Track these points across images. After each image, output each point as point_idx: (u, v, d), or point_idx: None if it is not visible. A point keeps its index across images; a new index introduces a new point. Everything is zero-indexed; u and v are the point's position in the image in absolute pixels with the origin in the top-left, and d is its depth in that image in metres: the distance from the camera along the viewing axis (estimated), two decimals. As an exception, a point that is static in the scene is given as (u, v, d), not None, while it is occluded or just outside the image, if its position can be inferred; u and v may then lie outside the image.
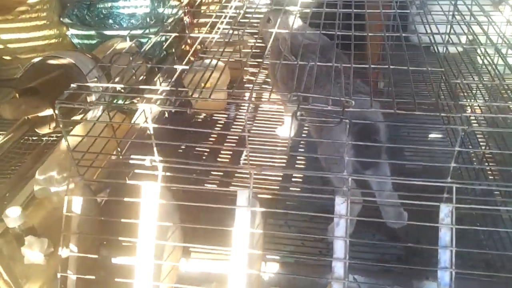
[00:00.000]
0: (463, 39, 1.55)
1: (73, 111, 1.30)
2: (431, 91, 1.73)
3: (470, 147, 1.36)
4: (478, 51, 1.42)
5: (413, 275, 1.14)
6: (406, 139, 1.62)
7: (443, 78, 1.55)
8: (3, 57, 1.94)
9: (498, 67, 1.26)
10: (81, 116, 1.40)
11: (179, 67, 1.06)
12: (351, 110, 0.85)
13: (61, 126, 0.97)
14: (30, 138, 1.58)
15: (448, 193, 0.93)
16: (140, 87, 1.03)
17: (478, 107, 1.46)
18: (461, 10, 1.53)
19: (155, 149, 0.95)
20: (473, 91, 1.45)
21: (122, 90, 1.07)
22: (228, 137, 1.70)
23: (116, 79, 1.04)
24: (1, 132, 1.59)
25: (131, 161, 0.98)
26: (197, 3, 1.60)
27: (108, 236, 1.06)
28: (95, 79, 1.37)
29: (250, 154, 1.47)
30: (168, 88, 0.97)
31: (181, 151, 1.59)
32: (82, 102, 0.92)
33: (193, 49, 1.14)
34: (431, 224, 0.91)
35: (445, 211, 0.91)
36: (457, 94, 1.29)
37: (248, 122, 1.71)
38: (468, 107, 1.36)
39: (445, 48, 1.65)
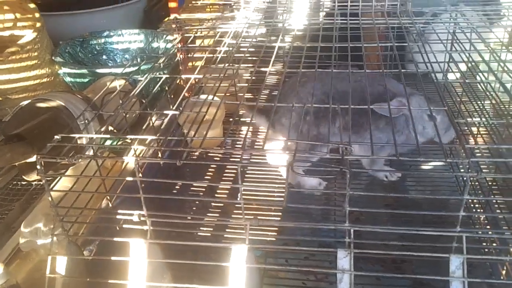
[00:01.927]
0: (463, 67, 1.51)
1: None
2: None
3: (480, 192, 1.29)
4: (478, 78, 1.37)
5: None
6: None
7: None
8: (-6, 98, 1.90)
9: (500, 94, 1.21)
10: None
11: (170, 112, 1.01)
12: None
13: (43, 181, 0.91)
14: (19, 183, 1.51)
15: (458, 242, 0.87)
16: (128, 137, 0.99)
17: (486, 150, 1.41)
18: (460, 39, 1.50)
19: (143, 203, 0.89)
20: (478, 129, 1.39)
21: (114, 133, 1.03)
22: (225, 174, 1.66)
23: (103, 129, 0.99)
24: (-12, 178, 1.53)
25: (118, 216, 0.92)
26: (189, 40, 1.56)
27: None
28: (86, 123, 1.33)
29: (247, 195, 1.41)
30: (155, 137, 0.92)
31: (175, 191, 1.53)
32: (64, 156, 0.86)
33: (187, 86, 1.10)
34: (442, 277, 0.85)
35: (456, 263, 0.85)
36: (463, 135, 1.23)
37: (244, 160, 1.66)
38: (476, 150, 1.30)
39: (443, 77, 1.62)
